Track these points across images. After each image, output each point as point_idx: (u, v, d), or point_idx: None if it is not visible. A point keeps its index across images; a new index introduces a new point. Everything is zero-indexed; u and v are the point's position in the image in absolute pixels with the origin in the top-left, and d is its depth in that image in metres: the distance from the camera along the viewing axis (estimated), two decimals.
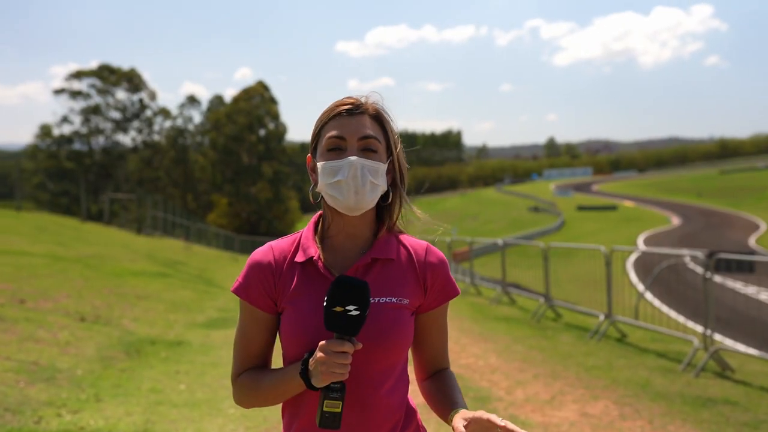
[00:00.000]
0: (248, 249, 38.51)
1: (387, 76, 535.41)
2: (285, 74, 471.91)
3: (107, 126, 65.64)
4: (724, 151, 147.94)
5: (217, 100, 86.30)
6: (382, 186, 1.61)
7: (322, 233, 1.67)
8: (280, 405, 1.63)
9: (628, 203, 68.65)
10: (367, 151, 1.58)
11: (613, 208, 62.34)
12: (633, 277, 18.54)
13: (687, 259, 17.31)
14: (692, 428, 5.15)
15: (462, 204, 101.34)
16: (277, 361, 1.63)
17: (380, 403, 1.55)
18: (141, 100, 67.42)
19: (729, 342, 8.93)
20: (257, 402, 1.60)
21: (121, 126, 66.62)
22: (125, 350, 7.56)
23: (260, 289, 1.61)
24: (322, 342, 1.43)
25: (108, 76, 64.92)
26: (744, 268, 10.65)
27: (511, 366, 7.40)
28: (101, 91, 65.17)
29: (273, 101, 75.63)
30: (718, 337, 7.54)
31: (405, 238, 1.69)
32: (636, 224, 48.88)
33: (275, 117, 75.13)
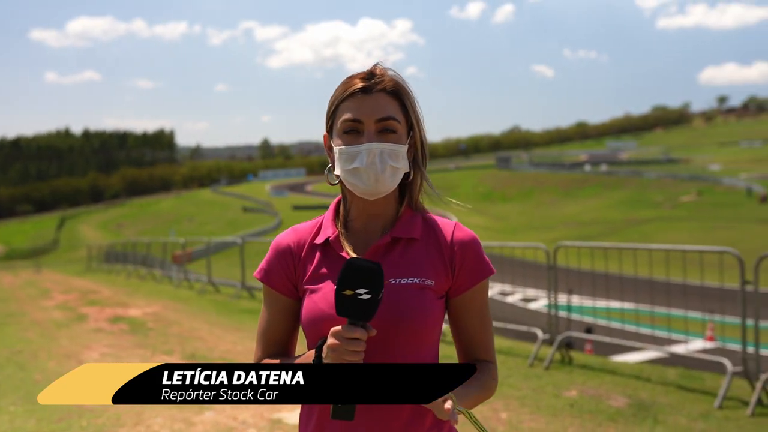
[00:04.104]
0: None
1: (92, 69, 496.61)
2: None
3: None
4: None
5: None
6: (403, 167, 1.52)
7: (344, 215, 1.60)
8: None
9: None
10: (385, 133, 1.49)
11: (326, 207, 65.60)
12: None
13: None
14: None
15: (177, 205, 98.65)
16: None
17: None
18: None
19: None
20: None
21: None
22: None
23: (281, 273, 1.57)
24: (334, 328, 1.35)
25: None
26: None
27: None
28: None
29: None
30: None
31: (432, 217, 1.61)
32: None
33: None
